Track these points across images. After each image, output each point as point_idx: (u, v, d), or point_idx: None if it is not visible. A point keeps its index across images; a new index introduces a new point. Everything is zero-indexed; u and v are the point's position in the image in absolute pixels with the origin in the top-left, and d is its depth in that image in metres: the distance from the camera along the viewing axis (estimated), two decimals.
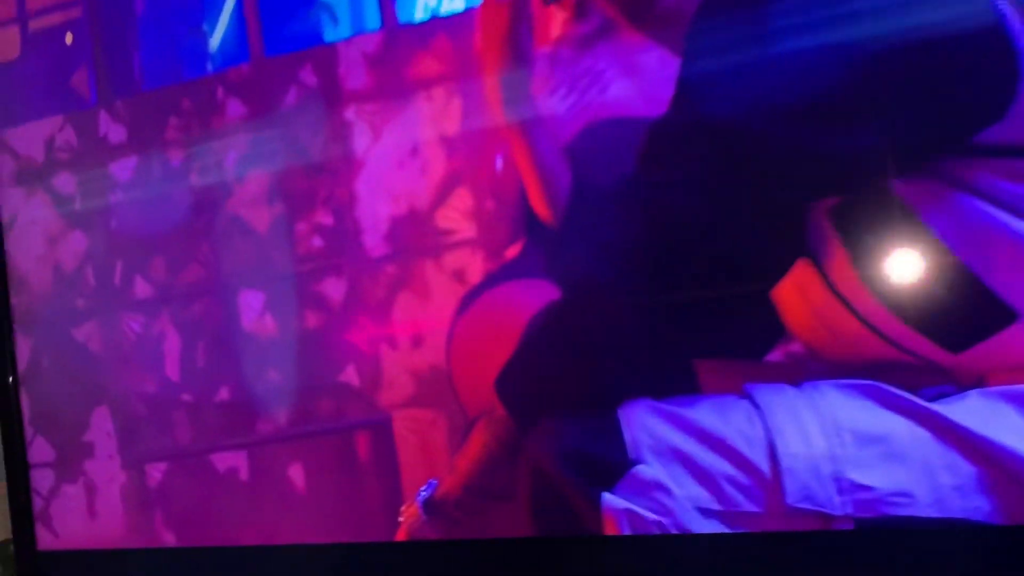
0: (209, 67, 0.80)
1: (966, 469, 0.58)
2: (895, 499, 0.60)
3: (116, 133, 0.85)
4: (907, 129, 0.59)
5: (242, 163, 0.78)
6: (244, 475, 0.80)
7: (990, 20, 0.56)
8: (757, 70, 0.62)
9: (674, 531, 0.65)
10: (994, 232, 0.57)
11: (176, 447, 0.83)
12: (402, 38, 0.72)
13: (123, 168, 0.85)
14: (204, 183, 0.80)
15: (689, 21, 0.64)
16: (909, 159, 0.59)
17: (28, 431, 0.91)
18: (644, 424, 0.66)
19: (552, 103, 0.68)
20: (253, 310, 0.78)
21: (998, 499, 0.57)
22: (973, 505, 0.58)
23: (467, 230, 0.70)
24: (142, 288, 0.84)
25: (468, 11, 0.70)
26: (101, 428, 0.87)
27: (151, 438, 0.84)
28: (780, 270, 0.62)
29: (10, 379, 0.90)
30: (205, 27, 0.81)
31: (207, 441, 0.81)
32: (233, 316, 0.80)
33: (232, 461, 0.80)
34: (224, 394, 0.80)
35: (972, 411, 0.58)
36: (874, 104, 0.59)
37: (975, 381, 0.59)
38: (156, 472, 0.84)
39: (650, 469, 0.66)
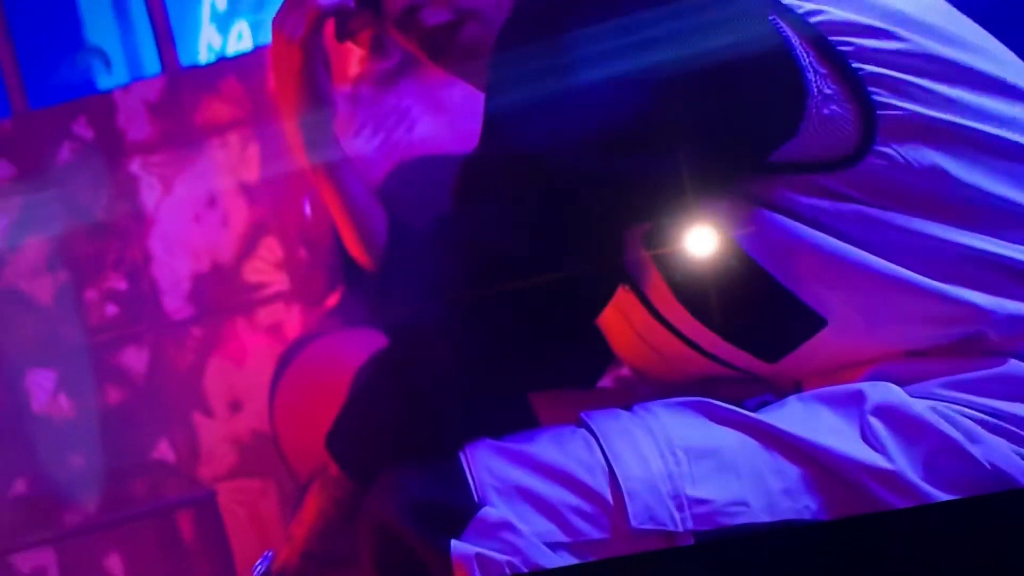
0: None
1: (793, 471, 0.61)
2: (731, 508, 0.62)
3: None
4: (708, 153, 0.61)
5: (15, 230, 0.69)
6: (54, 573, 0.71)
7: (775, 43, 0.59)
8: (561, 101, 0.62)
9: (524, 570, 0.64)
10: (797, 244, 0.60)
11: None
12: (187, 82, 0.66)
13: None
14: None
15: (488, 53, 0.63)
16: (713, 180, 0.61)
17: None
18: (486, 465, 0.65)
19: (358, 143, 0.65)
20: (44, 391, 0.70)
21: (823, 497, 0.61)
22: (802, 505, 0.61)
23: (280, 282, 0.66)
24: None
25: (257, 50, 0.65)
26: None
27: None
28: (603, 298, 0.63)
29: None
30: None
31: (6, 541, 0.72)
32: (22, 399, 0.71)
33: (38, 559, 0.72)
34: (20, 487, 0.71)
35: (792, 416, 0.61)
36: (674, 130, 0.61)
37: (792, 387, 0.62)
38: None
39: (496, 510, 0.64)
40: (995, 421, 0.60)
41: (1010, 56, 0.60)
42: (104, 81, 0.68)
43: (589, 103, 0.62)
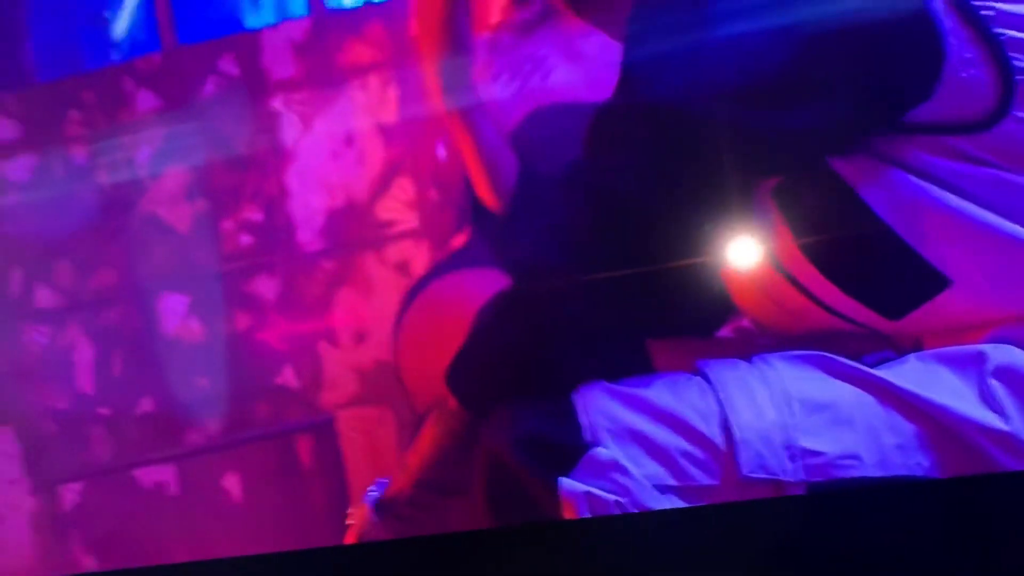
0: (114, 56, 0.75)
1: (907, 428, 0.63)
2: (843, 462, 0.64)
3: (8, 130, 0.79)
4: (842, 109, 0.63)
5: (157, 159, 0.74)
6: (174, 489, 0.75)
7: (916, 5, 0.60)
8: (698, 54, 0.65)
9: (633, 510, 0.67)
10: (926, 205, 0.62)
11: (94, 464, 0.78)
12: (332, 24, 0.69)
13: (18, 168, 0.79)
14: (114, 181, 0.76)
15: (630, 5, 0.65)
16: (845, 138, 0.63)
17: None
18: (600, 407, 0.67)
19: (494, 89, 0.68)
20: (176, 314, 0.74)
21: (937, 455, 0.63)
22: (914, 462, 0.63)
23: (410, 220, 0.69)
24: (46, 296, 0.78)
25: None
26: (3, 451, 0.80)
27: (64, 457, 0.79)
28: (727, 248, 0.65)
29: None
30: (107, 14, 0.75)
31: (129, 456, 0.76)
32: (153, 322, 0.75)
33: (159, 475, 0.76)
34: (147, 405, 0.76)
35: (911, 374, 0.63)
36: (811, 86, 0.64)
37: (912, 345, 0.64)
38: (71, 493, 0.79)
39: (607, 451, 0.67)
40: None
41: None
42: (252, 20, 0.72)
43: (727, 56, 0.64)
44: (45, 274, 0.79)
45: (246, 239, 0.72)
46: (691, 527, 0.69)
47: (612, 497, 0.70)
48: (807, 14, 0.64)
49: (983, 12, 0.62)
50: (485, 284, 0.71)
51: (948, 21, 0.62)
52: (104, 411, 0.78)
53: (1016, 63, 0.61)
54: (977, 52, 0.62)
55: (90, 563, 0.81)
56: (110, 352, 0.78)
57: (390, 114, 0.69)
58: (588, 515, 0.70)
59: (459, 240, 0.70)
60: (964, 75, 0.62)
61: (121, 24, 0.76)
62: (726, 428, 0.67)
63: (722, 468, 0.68)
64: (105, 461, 0.78)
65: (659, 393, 0.69)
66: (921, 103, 0.62)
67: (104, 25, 0.76)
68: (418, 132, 0.69)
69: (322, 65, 0.70)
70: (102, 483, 0.79)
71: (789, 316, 0.66)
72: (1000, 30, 0.61)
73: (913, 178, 0.63)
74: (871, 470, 0.65)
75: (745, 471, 0.67)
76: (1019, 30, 0.61)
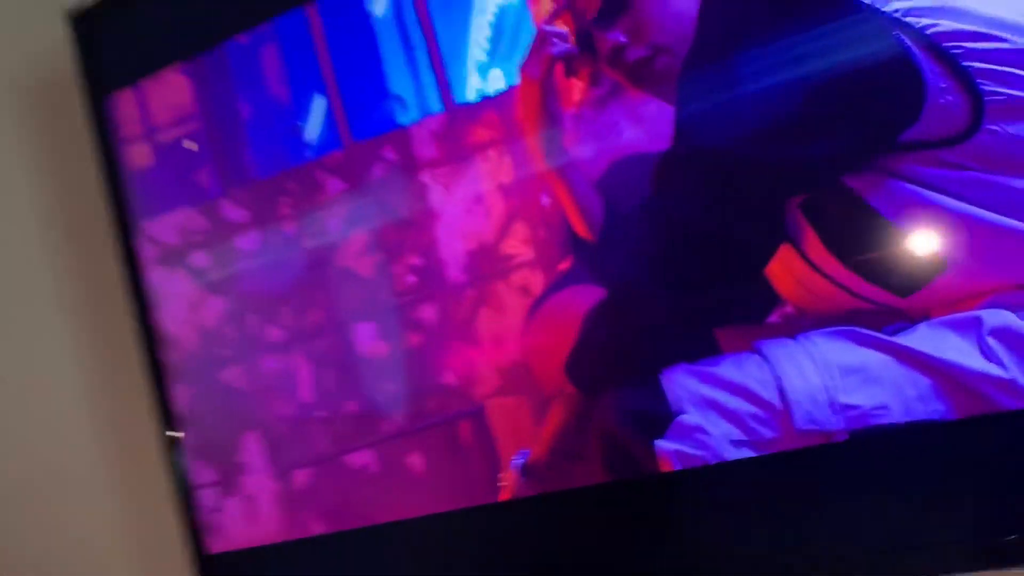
0: (308, 155, 1.01)
1: (924, 382, 0.74)
2: (876, 411, 0.77)
3: (237, 215, 1.05)
4: (850, 138, 0.77)
5: (345, 226, 0.97)
6: (373, 468, 0.98)
7: (899, 52, 0.75)
8: (733, 107, 0.80)
9: (714, 461, 0.83)
10: (921, 205, 0.74)
11: (315, 454, 1.02)
12: (459, 116, 0.91)
13: (247, 241, 1.04)
14: (315, 245, 1.00)
15: (676, 78, 0.83)
16: (854, 160, 0.76)
17: (193, 461, 1.10)
18: (682, 383, 0.84)
19: (581, 150, 0.87)
20: (367, 338, 0.97)
21: (950, 401, 0.74)
22: (932, 408, 0.74)
23: (526, 254, 0.89)
24: (274, 333, 1.04)
25: (509, 89, 0.89)
26: (253, 450, 1.06)
27: (294, 451, 1.03)
28: (769, 253, 0.81)
29: (172, 422, 1.10)
30: (300, 124, 1.01)
31: (340, 446, 1.00)
32: (351, 345, 0.98)
33: (362, 459, 0.99)
34: (351, 407, 0.99)
35: (923, 338, 0.74)
36: (822, 122, 0.77)
37: (923, 316, 0.75)
38: (301, 477, 1.03)
39: (690, 416, 0.84)
40: None
41: None
42: (402, 119, 0.94)
43: (756, 107, 0.80)
44: (273, 316, 1.05)
45: (411, 279, 0.94)
46: (759, 472, 0.85)
47: (698, 452, 0.87)
48: (813, 68, 0.79)
49: (952, 51, 0.75)
50: (586, 297, 0.89)
51: (926, 61, 0.76)
52: (321, 413, 1.02)
53: (982, 87, 0.74)
54: (950, 82, 0.75)
55: (318, 528, 1.06)
56: (322, 370, 1.02)
57: (506, 177, 0.89)
58: (680, 468, 0.88)
59: (564, 265, 0.89)
60: (942, 101, 0.74)
61: (311, 130, 1.02)
62: (781, 392, 0.83)
63: (780, 424, 0.83)
64: (324, 451, 1.02)
65: (727, 369, 0.85)
66: (910, 126, 0.74)
67: (299, 132, 1.02)
68: (527, 188, 0.89)
69: (455, 146, 0.92)
70: (322, 468, 1.03)
71: (822, 301, 0.81)
72: (967, 63, 0.75)
73: (909, 185, 0.77)
74: (898, 417, 0.76)
75: (799, 425, 0.82)
76: (981, 61, 0.74)
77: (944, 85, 0.73)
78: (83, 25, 1.13)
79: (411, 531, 0.97)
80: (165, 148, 1.10)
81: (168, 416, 1.10)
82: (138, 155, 1.11)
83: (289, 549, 1.04)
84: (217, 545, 1.08)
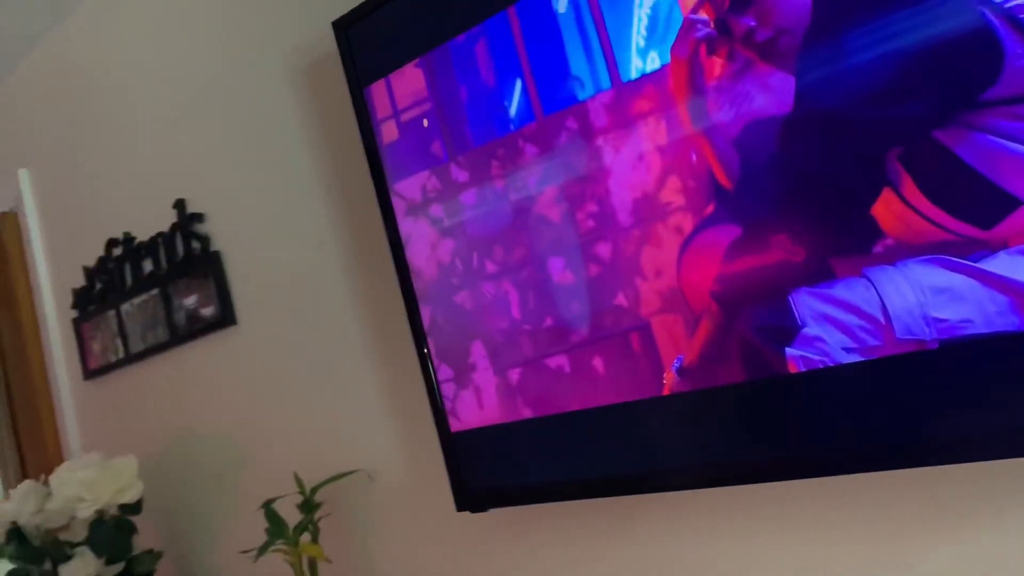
0: (511, 127, 1.28)
1: (1001, 299, 0.88)
2: (961, 324, 0.92)
3: (461, 176, 1.35)
4: (938, 98, 0.92)
5: (539, 182, 1.24)
6: (567, 369, 1.26)
7: (981, 23, 0.88)
8: (841, 76, 0.97)
9: (831, 364, 1.03)
10: (999, 152, 0.87)
11: (523, 357, 1.32)
12: (625, 91, 1.14)
13: (469, 196, 1.35)
14: (518, 198, 1.28)
15: (796, 53, 1.01)
16: (943, 116, 0.91)
17: (436, 362, 1.45)
18: (805, 302, 1.04)
19: (721, 115, 1.07)
20: (558, 269, 1.24)
21: (1023, 316, 0.89)
22: (1009, 321, 0.89)
23: (679, 201, 1.11)
24: (490, 267, 1.34)
25: (663, 67, 1.11)
26: (479, 354, 1.38)
27: (508, 355, 1.34)
28: (874, 196, 0.97)
29: (421, 333, 1.45)
30: (505, 104, 1.28)
31: (541, 351, 1.29)
32: (547, 275, 1.26)
33: (558, 362, 1.27)
34: (549, 321, 1.27)
35: (1002, 264, 0.88)
36: (918, 86, 0.93)
37: (1002, 245, 0.88)
38: (514, 375, 1.34)
39: (811, 329, 1.03)
40: None
41: None
42: (581, 95, 1.18)
43: (861, 76, 0.97)
44: (489, 254, 1.35)
45: (590, 223, 1.20)
46: (867, 373, 1.02)
47: (818, 357, 1.06)
48: (909, 39, 0.94)
49: None
50: (728, 234, 1.10)
51: (1005, 31, 0.88)
52: (527, 327, 1.32)
53: None
54: None
55: (527, 413, 1.37)
56: (526, 294, 1.31)
57: (662, 139, 1.11)
58: (805, 369, 1.08)
59: (709, 209, 1.10)
60: (1018, 64, 0.88)
61: (512, 107, 1.29)
62: (884, 309, 1.00)
63: (884, 335, 1.00)
64: (529, 355, 1.32)
65: (840, 291, 1.03)
66: (991, 87, 0.89)
67: (504, 109, 1.30)
68: (679, 148, 1.10)
69: (622, 116, 1.15)
70: (529, 368, 1.33)
71: (917, 235, 0.95)
72: None
73: (989, 136, 0.90)
74: (981, 328, 0.91)
75: (899, 335, 0.99)
76: None
77: (1021, 51, 0.86)
78: (345, 33, 1.47)
79: (595, 417, 1.25)
80: (407, 125, 1.42)
81: (419, 329, 1.45)
82: (388, 132, 1.45)
83: (506, 429, 1.36)
84: (455, 425, 1.43)
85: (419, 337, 1.44)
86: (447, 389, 1.42)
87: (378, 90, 1.44)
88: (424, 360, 1.44)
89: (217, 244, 1.90)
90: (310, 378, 1.76)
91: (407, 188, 1.43)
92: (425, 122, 1.38)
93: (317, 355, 1.73)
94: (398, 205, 1.44)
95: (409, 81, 1.39)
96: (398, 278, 1.45)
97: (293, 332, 1.77)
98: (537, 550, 1.47)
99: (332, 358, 1.71)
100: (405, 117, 1.41)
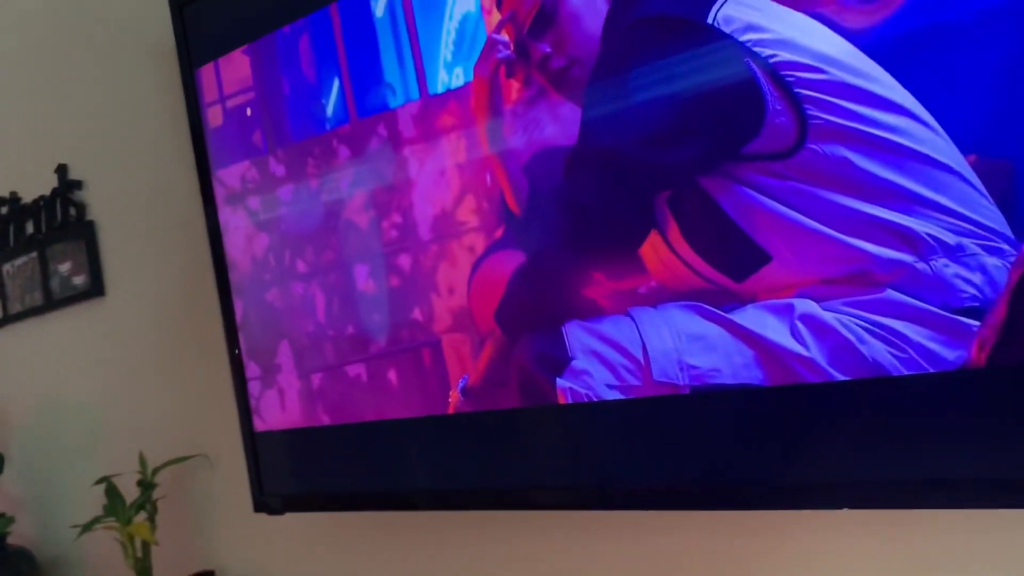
0: (327, 126, 1.25)
1: (748, 352, 0.90)
2: (711, 372, 0.93)
3: (279, 170, 1.32)
4: (705, 145, 0.92)
5: (350, 186, 1.22)
6: (364, 378, 1.25)
7: (747, 76, 0.88)
8: (621, 114, 0.97)
9: (595, 399, 1.03)
10: (756, 207, 0.87)
11: (326, 363, 1.29)
12: (431, 104, 1.12)
13: (285, 192, 1.31)
14: (330, 199, 1.25)
15: (585, 86, 1.00)
16: (708, 164, 0.91)
17: (245, 358, 1.42)
18: (577, 335, 1.03)
19: (515, 140, 1.06)
20: (363, 277, 1.22)
21: (767, 371, 0.89)
22: (753, 375, 0.90)
23: (473, 221, 1.09)
24: (301, 266, 1.31)
25: (467, 84, 1.09)
26: (285, 354, 1.35)
27: (312, 358, 1.31)
28: (642, 237, 0.97)
29: (233, 327, 1.42)
30: (323, 101, 1.25)
31: (343, 358, 1.27)
32: (352, 281, 1.24)
33: (356, 371, 1.25)
34: (351, 329, 1.25)
35: (750, 317, 0.89)
36: (689, 132, 0.93)
37: (751, 299, 0.89)
38: (316, 379, 1.32)
39: (580, 362, 1.03)
40: (876, 330, 0.85)
41: (894, 81, 0.82)
42: (392, 102, 1.16)
43: (637, 116, 0.96)
44: (300, 253, 1.32)
45: (393, 233, 1.18)
46: (626, 409, 1.03)
47: (583, 391, 1.07)
48: (684, 84, 0.93)
49: (788, 78, 0.88)
50: (513, 260, 1.10)
51: (767, 86, 0.89)
52: (331, 332, 1.29)
53: (807, 111, 0.87)
54: (784, 105, 0.88)
55: (326, 419, 1.35)
56: (332, 298, 1.29)
57: (462, 157, 1.09)
58: (571, 401, 1.08)
59: (499, 233, 1.09)
60: (777, 121, 0.88)
61: (330, 106, 1.26)
62: (644, 350, 1.01)
63: (643, 375, 1.01)
64: (331, 361, 1.30)
65: (608, 327, 1.03)
66: (752, 140, 0.88)
67: (322, 108, 1.27)
68: (477, 167, 1.09)
69: (427, 128, 1.13)
70: (330, 373, 1.31)
71: (678, 279, 0.96)
72: (798, 90, 0.87)
73: (748, 189, 0.91)
74: (728, 379, 0.93)
75: (656, 377, 1.00)
76: (809, 90, 0.86)
77: (780, 107, 0.86)
78: (180, 12, 1.42)
79: (387, 429, 1.23)
80: (232, 112, 1.38)
81: (231, 322, 1.42)
82: (214, 116, 1.40)
83: (306, 434, 1.34)
84: (259, 425, 1.40)
85: (231, 331, 1.41)
86: (253, 387, 1.39)
87: (207, 73, 1.39)
88: (233, 356, 1.41)
89: (93, 213, 1.83)
90: (169, 357, 1.71)
91: (228, 176, 1.38)
92: (248, 111, 1.34)
93: (177, 335, 1.69)
94: (219, 192, 1.40)
95: (236, 67, 1.35)
96: (214, 268, 1.41)
97: (156, 309, 1.71)
98: (357, 552, 1.46)
99: (190, 340, 1.66)
100: (231, 104, 1.37)
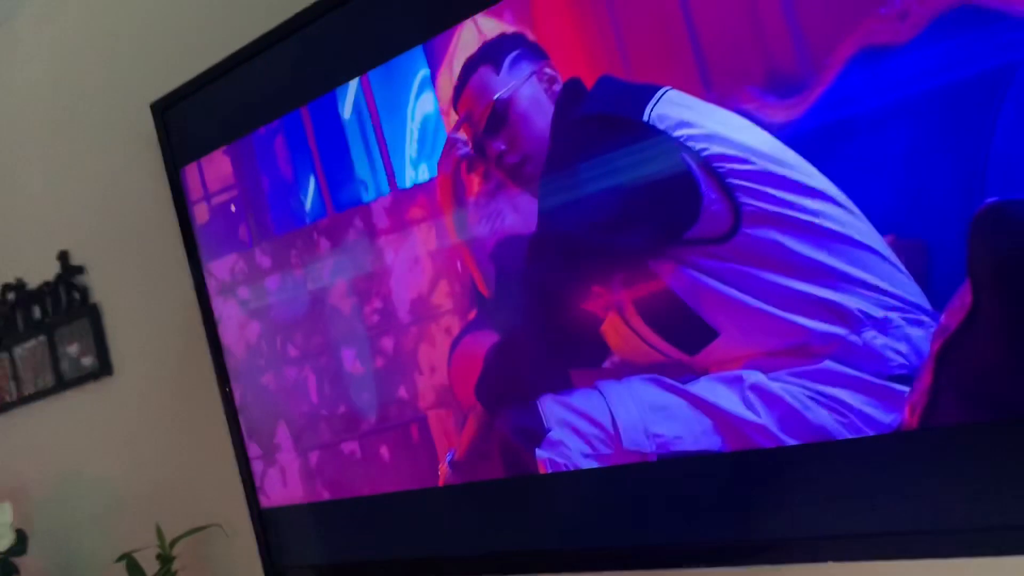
0: (307, 220, 1.33)
1: (707, 421, 0.97)
2: (674, 440, 1.00)
3: (265, 261, 1.39)
4: (651, 232, 0.99)
5: (332, 275, 1.29)
6: (358, 455, 1.32)
7: (683, 168, 0.96)
8: (574, 204, 1.04)
9: (573, 468, 1.10)
10: (701, 287, 0.94)
11: (322, 441, 1.36)
12: (401, 198, 1.20)
13: (272, 282, 1.39)
14: (315, 287, 1.33)
15: (539, 179, 1.07)
16: (656, 249, 0.98)
17: (246, 439, 1.49)
18: (551, 408, 1.11)
19: (479, 229, 1.13)
20: (350, 359, 1.29)
21: (723, 437, 0.95)
22: (712, 441, 0.96)
23: (447, 304, 1.17)
24: (292, 351, 1.39)
25: (432, 179, 1.17)
26: (283, 435, 1.42)
27: (308, 437, 1.38)
28: (602, 316, 1.04)
29: (233, 410, 1.49)
30: (301, 197, 1.33)
31: (337, 437, 1.34)
32: (340, 364, 1.31)
33: (351, 447, 1.32)
34: (343, 408, 1.32)
35: (704, 388, 0.95)
36: (637, 219, 1.00)
37: (704, 371, 0.95)
38: (313, 457, 1.39)
39: (556, 433, 1.10)
40: (819, 397, 0.92)
41: (814, 169, 0.88)
42: (365, 197, 1.24)
43: (589, 206, 1.03)
44: (291, 338, 1.40)
45: (375, 317, 1.25)
46: (602, 476, 1.10)
47: (561, 460, 1.13)
48: (627, 176, 1.01)
49: (719, 169, 0.95)
50: (487, 339, 1.17)
51: (701, 177, 0.96)
52: (324, 412, 1.36)
53: (739, 199, 0.94)
54: (718, 194, 0.95)
55: (326, 494, 1.42)
56: (323, 380, 1.36)
57: (433, 245, 1.17)
58: (551, 471, 1.15)
59: (472, 315, 1.17)
60: (713, 208, 0.94)
61: (308, 202, 1.34)
62: (613, 421, 1.08)
63: (614, 444, 1.08)
64: (327, 439, 1.37)
65: (579, 400, 1.09)
66: (692, 226, 0.95)
67: (301, 203, 1.35)
68: (447, 255, 1.16)
69: (399, 220, 1.21)
70: (327, 451, 1.37)
71: (638, 355, 1.03)
72: (729, 179, 0.94)
73: (692, 271, 0.98)
74: (690, 445, 0.99)
75: (626, 446, 1.06)
76: (739, 179, 0.93)
77: (714, 196, 0.93)
78: (162, 115, 1.50)
79: (383, 502, 1.30)
80: (217, 209, 1.46)
81: (231, 405, 1.49)
82: (200, 213, 1.48)
83: (308, 509, 1.41)
84: (264, 502, 1.47)
85: (231, 414, 1.48)
86: (256, 466, 1.46)
87: (191, 172, 1.47)
88: (236, 437, 1.48)
89: (97, 295, 1.92)
90: (178, 432, 1.78)
91: (218, 268, 1.46)
92: (233, 207, 1.42)
93: (185, 411, 1.76)
94: (211, 283, 1.48)
95: (218, 167, 1.43)
96: (211, 354, 1.49)
97: (163, 386, 1.79)
98: None
99: (197, 415, 1.73)
100: (215, 201, 1.45)
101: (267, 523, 1.44)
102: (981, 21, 0.77)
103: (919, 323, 0.83)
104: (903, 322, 0.84)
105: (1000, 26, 0.76)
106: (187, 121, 1.45)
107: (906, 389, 0.84)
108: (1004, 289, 0.78)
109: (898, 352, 0.84)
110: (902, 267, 0.83)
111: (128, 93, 1.72)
